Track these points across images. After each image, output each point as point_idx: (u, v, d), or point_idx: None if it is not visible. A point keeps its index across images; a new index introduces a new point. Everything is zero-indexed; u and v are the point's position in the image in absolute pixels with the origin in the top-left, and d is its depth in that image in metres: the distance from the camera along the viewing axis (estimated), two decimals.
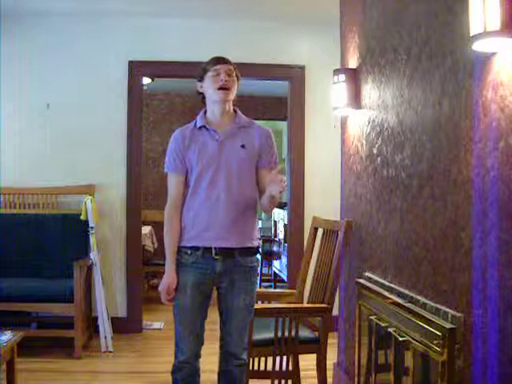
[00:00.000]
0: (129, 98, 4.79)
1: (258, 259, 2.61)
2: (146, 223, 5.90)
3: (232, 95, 2.55)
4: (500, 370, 1.74)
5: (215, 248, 2.48)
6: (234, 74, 2.55)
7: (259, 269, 7.30)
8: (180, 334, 2.51)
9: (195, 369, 2.50)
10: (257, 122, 2.68)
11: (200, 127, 2.56)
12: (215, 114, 2.57)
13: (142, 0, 4.44)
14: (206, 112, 2.61)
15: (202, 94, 2.59)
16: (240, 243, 2.50)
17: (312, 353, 3.04)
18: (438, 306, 2.08)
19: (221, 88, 2.50)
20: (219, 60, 2.54)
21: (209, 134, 2.54)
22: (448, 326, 1.95)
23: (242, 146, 2.54)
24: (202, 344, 2.53)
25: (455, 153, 2.02)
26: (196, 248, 2.49)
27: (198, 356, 2.52)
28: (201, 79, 2.57)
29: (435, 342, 1.98)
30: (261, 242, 7.42)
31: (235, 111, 2.61)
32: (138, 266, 4.89)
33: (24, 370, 3.41)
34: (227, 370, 2.55)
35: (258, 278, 7.68)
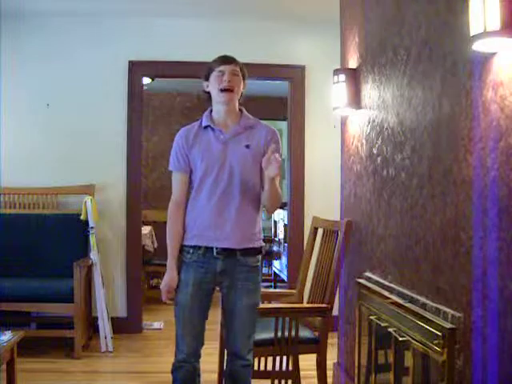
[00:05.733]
0: (129, 98, 4.79)
1: (260, 259, 2.58)
2: (145, 223, 5.89)
3: (236, 96, 2.52)
4: (500, 370, 1.73)
5: (216, 248, 2.47)
6: (240, 74, 2.52)
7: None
8: (179, 333, 2.50)
9: (195, 368, 2.49)
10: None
11: (205, 127, 2.55)
12: (220, 114, 2.54)
13: (143, 0, 4.44)
14: (211, 111, 2.58)
15: (208, 93, 2.56)
16: (242, 244, 2.48)
17: (312, 353, 3.04)
18: (438, 306, 2.08)
19: (224, 90, 2.47)
20: (225, 60, 2.51)
21: (213, 134, 2.53)
22: (448, 325, 1.95)
23: (247, 147, 2.51)
24: (203, 344, 2.52)
25: (455, 153, 2.02)
26: (198, 247, 2.49)
27: (197, 356, 2.50)
28: (207, 78, 2.54)
29: (435, 341, 1.98)
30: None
31: (241, 111, 2.59)
32: (137, 266, 4.89)
33: (24, 370, 3.40)
34: (232, 370, 2.54)
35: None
